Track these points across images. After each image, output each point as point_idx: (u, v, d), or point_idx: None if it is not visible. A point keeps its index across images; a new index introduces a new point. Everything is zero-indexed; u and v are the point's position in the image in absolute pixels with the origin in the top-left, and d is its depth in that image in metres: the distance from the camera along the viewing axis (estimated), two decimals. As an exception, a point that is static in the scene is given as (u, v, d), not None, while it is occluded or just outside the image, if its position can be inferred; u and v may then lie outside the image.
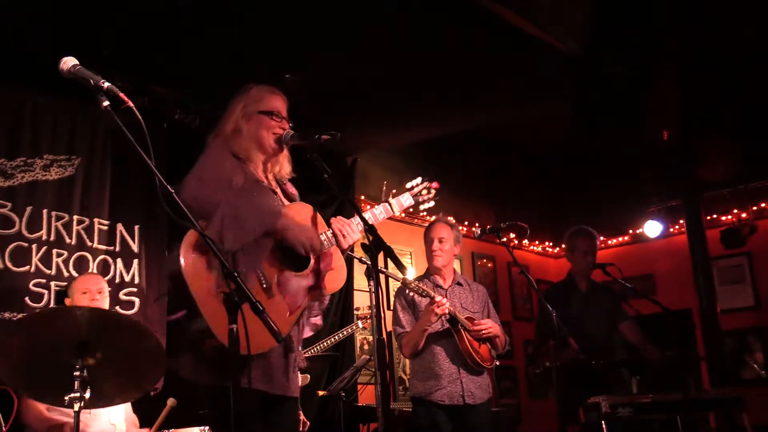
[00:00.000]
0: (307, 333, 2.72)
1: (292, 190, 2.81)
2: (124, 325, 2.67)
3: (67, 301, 3.90)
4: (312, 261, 2.54)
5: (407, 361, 6.05)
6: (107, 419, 3.65)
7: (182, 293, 2.28)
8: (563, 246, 5.13)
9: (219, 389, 2.41)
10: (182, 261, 2.27)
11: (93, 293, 3.83)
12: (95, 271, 4.49)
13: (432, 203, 3.14)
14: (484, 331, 4.01)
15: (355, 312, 5.54)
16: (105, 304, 3.89)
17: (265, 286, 2.38)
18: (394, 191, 3.04)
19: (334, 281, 2.61)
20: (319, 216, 2.68)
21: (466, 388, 3.98)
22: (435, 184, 3.13)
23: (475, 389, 4.02)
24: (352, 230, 2.63)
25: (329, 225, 2.70)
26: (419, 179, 3.12)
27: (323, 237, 2.59)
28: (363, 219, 2.48)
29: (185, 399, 3.46)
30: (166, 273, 2.35)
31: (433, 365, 4.01)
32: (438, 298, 3.85)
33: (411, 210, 7.72)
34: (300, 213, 2.62)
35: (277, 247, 2.48)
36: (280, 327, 2.29)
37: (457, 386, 3.98)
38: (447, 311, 3.87)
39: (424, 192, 3.09)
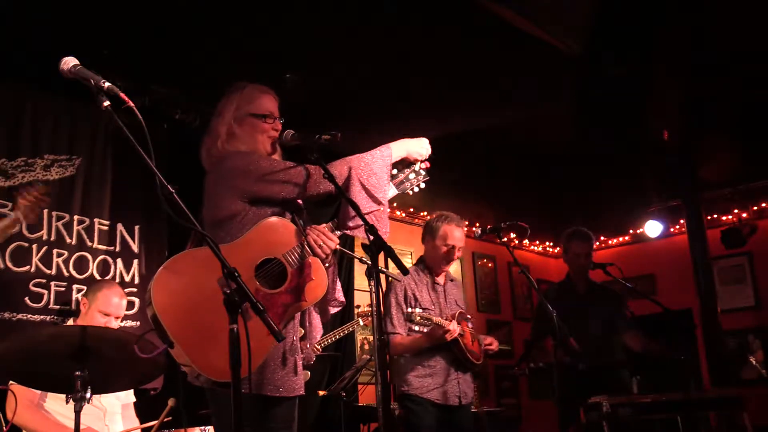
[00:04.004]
0: (334, 310, 2.77)
1: None
2: (120, 339, 2.68)
3: (83, 304, 3.78)
4: (288, 278, 2.49)
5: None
6: (102, 422, 3.62)
7: (160, 332, 2.24)
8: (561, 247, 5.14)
9: (213, 391, 2.42)
10: (154, 301, 2.21)
11: (110, 320, 3.70)
12: (95, 271, 4.49)
13: (423, 185, 2.89)
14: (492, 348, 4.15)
15: (356, 309, 5.55)
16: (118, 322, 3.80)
17: (240, 309, 2.31)
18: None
19: (314, 291, 2.56)
20: (297, 228, 2.59)
21: (461, 389, 4.01)
22: (425, 164, 2.89)
23: (467, 389, 4.07)
24: (328, 238, 2.56)
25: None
26: (399, 166, 2.88)
27: (297, 248, 2.52)
28: (363, 219, 2.46)
29: (185, 399, 3.46)
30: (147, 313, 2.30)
31: (432, 362, 4.00)
32: (451, 327, 3.87)
33: (412, 210, 7.72)
34: (280, 228, 2.57)
35: (255, 266, 2.43)
36: (260, 347, 2.30)
37: (454, 386, 3.99)
38: (456, 335, 3.91)
39: (412, 176, 2.87)
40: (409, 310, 3.82)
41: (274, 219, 2.53)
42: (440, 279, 4.21)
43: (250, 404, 2.37)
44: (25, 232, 4.24)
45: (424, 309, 3.99)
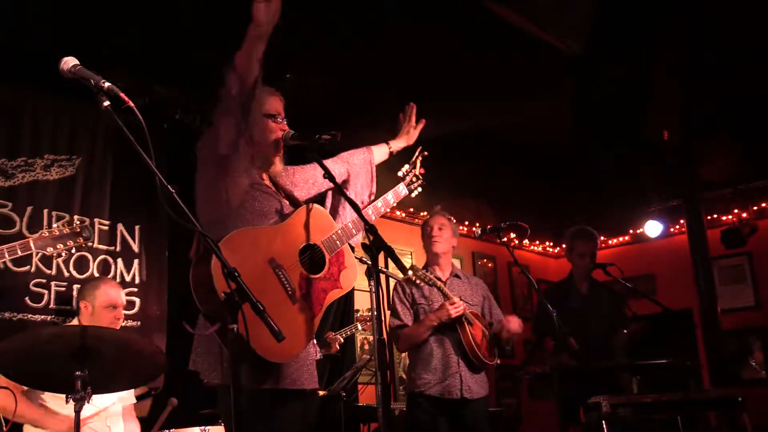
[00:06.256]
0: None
1: (286, 186, 2.80)
2: (120, 339, 2.69)
3: (85, 306, 3.74)
4: (327, 264, 2.57)
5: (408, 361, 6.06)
6: (103, 423, 3.61)
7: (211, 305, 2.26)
8: (563, 246, 5.13)
9: (229, 389, 2.42)
10: (214, 276, 2.23)
11: (119, 311, 3.72)
12: (95, 271, 4.49)
13: (420, 189, 3.21)
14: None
15: (356, 314, 5.55)
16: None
17: (290, 291, 2.41)
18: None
19: (348, 279, 2.67)
20: (328, 216, 2.71)
21: (465, 382, 3.96)
22: (421, 170, 3.23)
23: (473, 384, 4.00)
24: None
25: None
26: (407, 166, 3.21)
27: (334, 236, 2.62)
28: (363, 218, 2.47)
29: (185, 399, 3.47)
30: (201, 289, 2.32)
31: (431, 358, 3.96)
32: (456, 300, 3.85)
33: (412, 210, 7.72)
34: (318, 215, 2.64)
35: (299, 251, 2.50)
36: (306, 329, 2.43)
37: (456, 380, 3.95)
38: (462, 312, 3.88)
39: (414, 179, 3.19)
40: (410, 272, 3.83)
41: (311, 205, 2.66)
42: (441, 274, 4.17)
43: (266, 401, 2.39)
44: (25, 231, 4.24)
45: (419, 304, 4.00)
